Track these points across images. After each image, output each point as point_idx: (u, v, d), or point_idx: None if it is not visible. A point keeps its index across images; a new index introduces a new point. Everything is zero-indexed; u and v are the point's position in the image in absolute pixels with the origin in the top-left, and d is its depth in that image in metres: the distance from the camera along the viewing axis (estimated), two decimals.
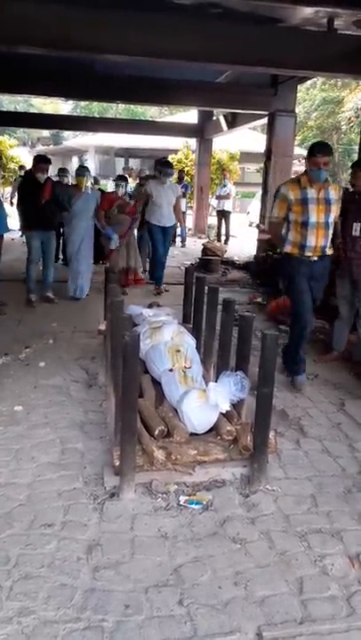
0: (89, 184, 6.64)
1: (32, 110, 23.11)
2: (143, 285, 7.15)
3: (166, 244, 7.17)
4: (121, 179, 7.23)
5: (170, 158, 13.86)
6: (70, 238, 6.49)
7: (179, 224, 7.34)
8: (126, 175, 9.47)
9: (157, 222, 6.87)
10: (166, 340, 3.46)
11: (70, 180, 8.43)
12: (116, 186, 6.98)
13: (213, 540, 2.24)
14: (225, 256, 9.51)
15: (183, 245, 11.66)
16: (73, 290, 6.38)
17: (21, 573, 2.01)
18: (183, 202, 10.12)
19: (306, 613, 1.88)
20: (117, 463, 2.51)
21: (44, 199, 5.74)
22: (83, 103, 27.98)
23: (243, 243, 12.50)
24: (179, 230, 7.39)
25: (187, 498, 2.51)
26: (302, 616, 1.87)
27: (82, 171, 6.76)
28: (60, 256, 8.13)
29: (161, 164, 7.09)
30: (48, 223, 5.98)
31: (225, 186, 12.79)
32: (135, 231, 7.42)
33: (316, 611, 1.90)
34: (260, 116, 9.45)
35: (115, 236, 6.52)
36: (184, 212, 10.64)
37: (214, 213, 13.64)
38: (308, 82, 14.87)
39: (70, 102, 27.25)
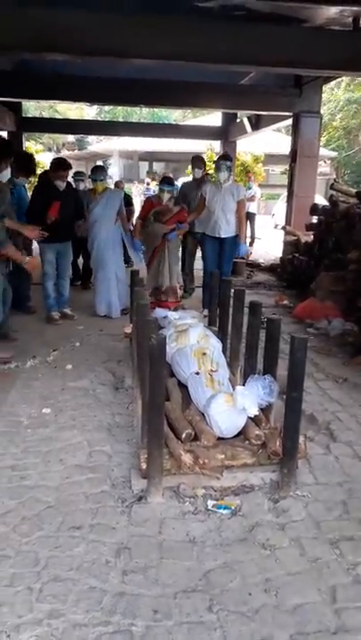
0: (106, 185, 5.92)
1: (57, 116, 23.42)
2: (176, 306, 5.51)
3: (225, 259, 5.83)
4: (166, 182, 5.61)
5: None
6: (92, 248, 5.77)
7: (239, 235, 5.85)
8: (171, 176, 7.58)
9: (210, 232, 5.81)
10: (192, 342, 3.44)
11: (87, 184, 7.67)
12: (161, 191, 5.51)
13: (242, 546, 2.21)
14: (250, 258, 9.47)
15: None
16: (102, 308, 5.75)
17: (51, 575, 2.02)
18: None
19: (340, 623, 1.84)
20: (145, 466, 2.50)
21: (49, 219, 5.07)
22: (107, 108, 28.36)
23: (268, 245, 12.43)
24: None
25: (215, 502, 2.49)
26: (336, 626, 1.82)
27: (98, 174, 5.81)
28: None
29: (220, 158, 6.08)
30: (65, 234, 5.43)
31: (250, 188, 12.71)
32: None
33: (351, 620, 1.85)
34: (285, 118, 9.36)
35: (141, 250, 5.48)
36: None
37: None
38: (333, 82, 14.72)
39: (95, 107, 27.65)
